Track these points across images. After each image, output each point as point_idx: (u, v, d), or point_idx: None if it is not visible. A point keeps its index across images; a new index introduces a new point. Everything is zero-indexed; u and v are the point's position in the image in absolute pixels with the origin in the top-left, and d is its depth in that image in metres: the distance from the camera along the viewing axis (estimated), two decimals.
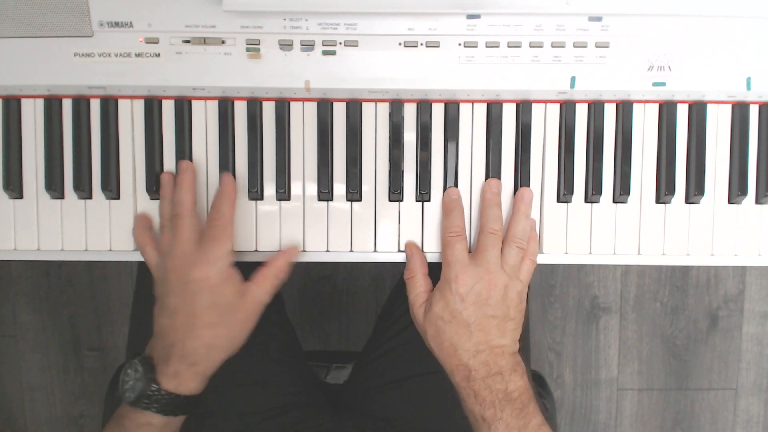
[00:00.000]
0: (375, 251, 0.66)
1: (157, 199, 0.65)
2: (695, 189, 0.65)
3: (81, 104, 0.64)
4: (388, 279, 1.43)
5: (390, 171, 0.65)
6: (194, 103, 0.65)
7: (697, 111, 0.65)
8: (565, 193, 0.65)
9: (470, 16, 0.61)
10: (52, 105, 0.64)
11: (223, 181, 0.64)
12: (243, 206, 0.65)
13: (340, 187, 0.65)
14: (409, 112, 0.65)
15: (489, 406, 0.58)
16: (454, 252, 0.61)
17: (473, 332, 0.59)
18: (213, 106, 0.65)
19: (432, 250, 0.66)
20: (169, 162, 0.65)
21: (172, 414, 0.59)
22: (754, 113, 0.66)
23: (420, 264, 0.64)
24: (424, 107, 0.65)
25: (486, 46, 0.62)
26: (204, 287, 0.58)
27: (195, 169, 0.64)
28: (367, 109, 0.65)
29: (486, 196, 0.64)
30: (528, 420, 0.58)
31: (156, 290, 0.62)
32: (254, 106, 0.64)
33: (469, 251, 0.63)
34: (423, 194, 0.65)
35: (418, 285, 0.63)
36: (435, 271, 0.64)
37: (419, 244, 0.66)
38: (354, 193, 0.65)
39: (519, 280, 0.61)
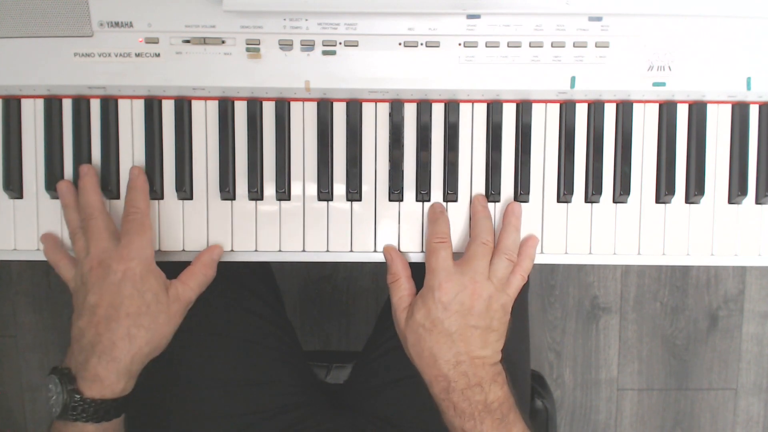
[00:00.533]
0: (375, 251, 0.66)
1: (157, 199, 0.65)
2: (695, 189, 0.65)
3: (81, 104, 0.64)
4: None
5: (390, 171, 0.65)
6: (194, 103, 0.65)
7: (697, 111, 0.65)
8: (565, 193, 0.65)
9: (470, 16, 0.61)
10: (52, 105, 0.64)
11: (132, 175, 0.63)
12: (243, 206, 0.65)
13: (340, 187, 0.65)
14: (409, 112, 0.65)
15: (468, 418, 0.57)
16: (439, 259, 0.60)
17: (455, 342, 0.58)
18: (213, 106, 0.65)
19: None
20: (168, 162, 0.65)
21: (105, 419, 0.56)
22: (754, 113, 0.66)
23: (402, 267, 0.63)
24: (424, 107, 0.65)
25: (486, 46, 0.62)
26: (126, 278, 0.57)
27: (96, 171, 0.63)
28: (367, 109, 0.65)
29: (477, 207, 0.64)
30: (509, 429, 0.57)
31: (74, 303, 0.59)
32: (254, 106, 0.64)
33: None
34: (423, 194, 0.65)
35: (401, 288, 0.62)
36: (419, 272, 0.63)
37: (418, 245, 0.66)
38: (354, 193, 0.65)
39: (505, 293, 0.60)
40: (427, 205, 0.65)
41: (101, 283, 0.57)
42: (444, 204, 0.65)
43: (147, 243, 0.59)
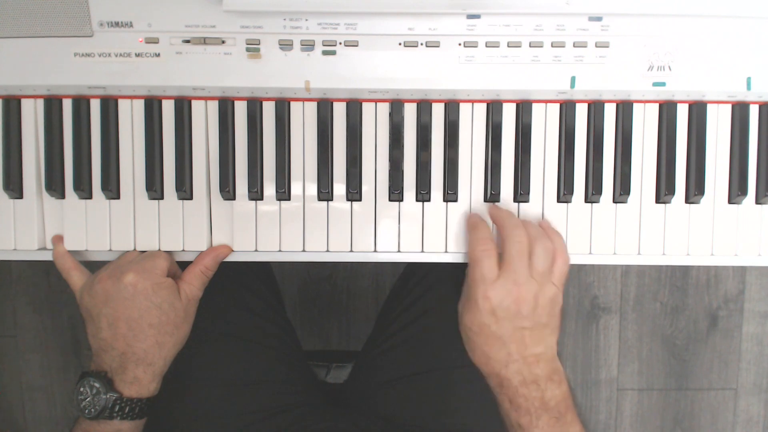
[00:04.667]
0: (375, 251, 0.66)
1: (157, 199, 0.65)
2: (695, 189, 0.65)
3: (81, 104, 0.64)
4: (388, 279, 1.43)
5: (390, 171, 0.65)
6: (194, 103, 0.65)
7: (697, 111, 0.65)
8: (565, 193, 0.65)
9: (470, 16, 0.61)
10: (52, 105, 0.64)
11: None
12: (243, 206, 0.65)
13: (340, 187, 0.65)
14: (409, 112, 0.65)
15: (524, 413, 0.57)
16: (483, 269, 0.58)
17: (506, 343, 0.57)
18: (213, 106, 0.65)
19: (433, 250, 0.66)
20: (169, 162, 0.65)
21: (139, 417, 0.60)
22: (754, 113, 0.66)
23: (489, 236, 0.60)
24: (424, 107, 0.65)
25: (486, 46, 0.62)
26: (137, 292, 0.59)
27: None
28: (367, 109, 0.65)
29: (496, 211, 0.63)
30: (565, 429, 0.57)
31: (84, 314, 0.62)
32: (254, 106, 0.64)
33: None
34: (423, 194, 0.65)
35: (487, 263, 0.58)
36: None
37: (420, 245, 0.66)
38: (354, 193, 0.65)
39: (551, 284, 0.59)
40: (427, 205, 0.65)
41: (115, 297, 0.59)
42: (444, 204, 0.65)
43: (160, 265, 0.61)
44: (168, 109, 0.65)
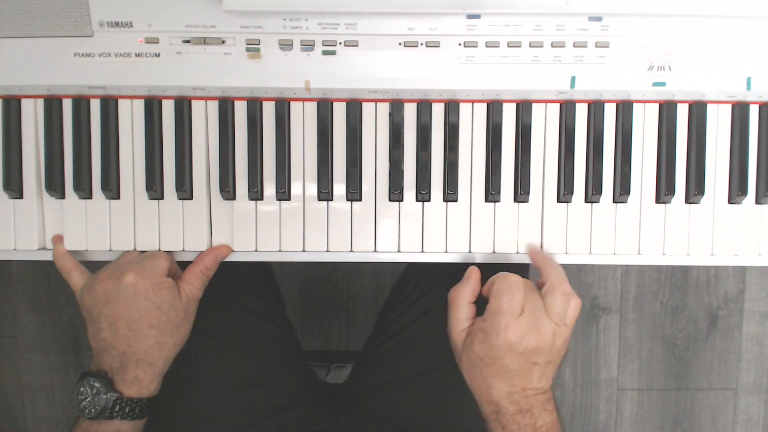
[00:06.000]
0: (375, 251, 0.66)
1: (157, 198, 0.65)
2: (695, 189, 0.65)
3: (81, 104, 0.64)
4: (388, 279, 1.43)
5: (390, 171, 0.65)
6: (194, 103, 0.65)
7: (697, 111, 0.65)
8: (565, 193, 0.65)
9: (470, 16, 0.61)
10: (52, 105, 0.64)
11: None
12: (243, 206, 0.65)
13: (340, 187, 0.65)
14: (409, 112, 0.65)
15: None
16: (512, 301, 0.57)
17: (512, 376, 0.58)
18: (213, 106, 0.65)
19: (433, 250, 0.66)
20: (169, 162, 0.65)
21: (139, 417, 0.60)
22: (754, 113, 0.66)
23: (471, 292, 0.61)
24: (424, 107, 0.65)
25: (486, 46, 0.62)
26: (138, 292, 0.59)
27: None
28: (367, 109, 0.65)
29: (541, 255, 0.63)
30: None
31: (84, 314, 0.62)
32: (254, 106, 0.64)
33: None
34: (423, 194, 0.65)
35: (462, 310, 0.60)
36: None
37: (419, 245, 0.66)
38: (354, 193, 0.65)
39: (567, 327, 0.59)
40: (427, 204, 0.65)
41: (115, 297, 0.59)
42: (444, 204, 0.65)
43: (160, 266, 0.61)
44: (168, 109, 0.65)
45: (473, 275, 0.61)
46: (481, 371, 0.58)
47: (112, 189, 0.64)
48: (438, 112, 0.65)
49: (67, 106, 0.65)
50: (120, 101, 0.65)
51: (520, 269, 0.66)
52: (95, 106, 0.65)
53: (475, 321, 0.59)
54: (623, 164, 0.65)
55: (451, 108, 0.65)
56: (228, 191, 0.64)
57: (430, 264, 0.66)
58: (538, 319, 0.57)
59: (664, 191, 0.65)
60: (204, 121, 0.65)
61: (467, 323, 0.60)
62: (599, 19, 0.61)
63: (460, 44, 0.62)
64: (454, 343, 0.62)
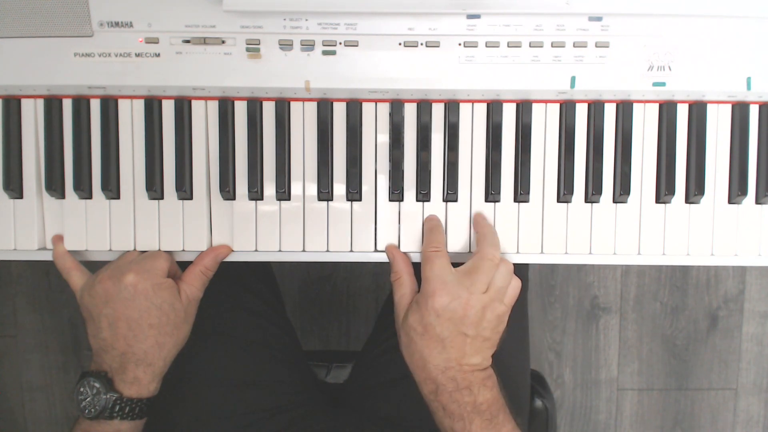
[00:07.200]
0: (375, 251, 0.66)
1: (157, 199, 0.65)
2: (695, 189, 0.65)
3: (81, 104, 0.64)
4: (388, 279, 1.43)
5: (390, 171, 0.65)
6: (194, 103, 0.65)
7: (697, 111, 0.65)
8: (565, 193, 0.65)
9: (470, 16, 0.61)
10: (52, 105, 0.64)
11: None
12: (243, 206, 0.65)
13: (340, 187, 0.65)
14: (409, 112, 0.65)
15: (458, 419, 0.57)
16: (434, 267, 0.59)
17: (446, 348, 0.58)
18: (213, 106, 0.65)
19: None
20: (169, 162, 0.65)
21: (139, 417, 0.60)
22: (754, 113, 0.66)
23: (404, 265, 0.63)
24: (424, 107, 0.65)
25: (486, 46, 0.62)
26: (138, 293, 0.59)
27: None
28: (367, 109, 0.65)
29: (482, 222, 0.64)
30: (498, 429, 0.58)
31: (84, 314, 0.62)
32: (254, 106, 0.64)
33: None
34: (423, 194, 0.65)
35: (404, 285, 0.62)
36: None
37: (419, 245, 0.66)
38: (354, 193, 0.65)
39: (503, 303, 0.60)
40: (427, 205, 0.65)
41: (115, 297, 0.59)
42: (444, 204, 0.65)
43: (158, 263, 0.61)
44: (168, 109, 0.65)
45: (392, 251, 0.64)
46: (416, 344, 0.59)
47: (112, 189, 0.64)
48: (438, 112, 0.65)
49: (67, 106, 0.65)
50: (120, 101, 0.65)
51: (521, 269, 0.66)
52: (95, 106, 0.65)
53: (413, 296, 0.61)
54: (623, 164, 0.65)
55: (451, 108, 0.65)
56: (228, 191, 0.64)
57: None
58: (471, 290, 0.58)
59: (664, 191, 0.65)
60: (204, 121, 0.65)
61: (410, 297, 0.61)
62: (599, 19, 0.61)
63: (460, 44, 0.62)
64: (396, 325, 0.63)
